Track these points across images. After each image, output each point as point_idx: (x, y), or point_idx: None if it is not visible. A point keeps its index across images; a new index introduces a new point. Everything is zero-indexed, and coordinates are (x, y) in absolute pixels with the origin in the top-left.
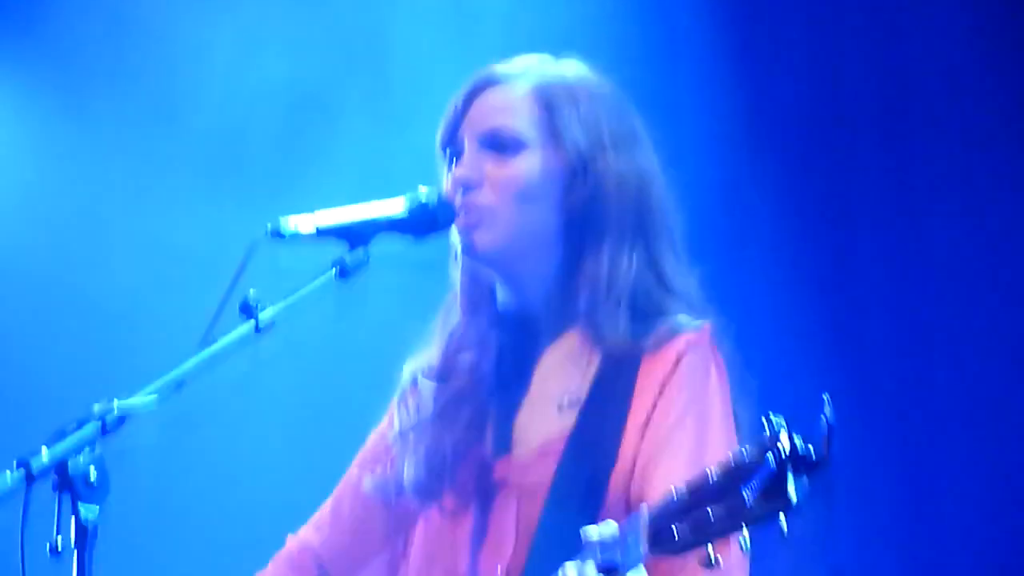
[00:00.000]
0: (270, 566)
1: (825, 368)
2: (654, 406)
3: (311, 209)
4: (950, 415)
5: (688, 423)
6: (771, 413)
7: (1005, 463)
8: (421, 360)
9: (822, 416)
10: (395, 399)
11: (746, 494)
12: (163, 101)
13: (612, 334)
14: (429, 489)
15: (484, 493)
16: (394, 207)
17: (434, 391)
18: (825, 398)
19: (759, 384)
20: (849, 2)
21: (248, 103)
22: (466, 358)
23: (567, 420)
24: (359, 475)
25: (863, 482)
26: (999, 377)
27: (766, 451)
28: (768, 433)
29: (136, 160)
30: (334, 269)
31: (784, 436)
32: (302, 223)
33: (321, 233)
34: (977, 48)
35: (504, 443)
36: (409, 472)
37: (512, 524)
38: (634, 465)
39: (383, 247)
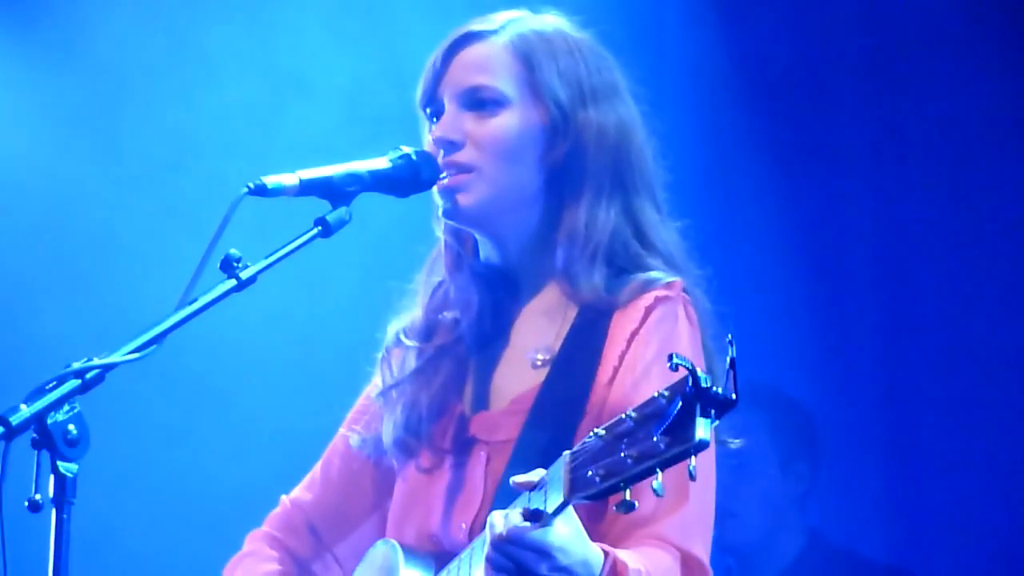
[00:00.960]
0: (264, 525)
1: (805, 324)
2: (621, 359)
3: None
4: (929, 383)
5: (654, 374)
6: (675, 355)
7: (979, 430)
8: (404, 319)
9: (728, 353)
10: (380, 357)
11: (657, 438)
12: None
13: (587, 288)
14: (406, 446)
15: (459, 449)
16: (378, 163)
17: (416, 349)
18: (729, 338)
19: (736, 336)
20: None
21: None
22: (448, 316)
23: (539, 375)
24: (346, 434)
25: (842, 447)
26: (975, 343)
27: (674, 391)
28: (679, 376)
29: (120, 136)
30: (317, 227)
31: (689, 376)
32: (285, 178)
33: (304, 186)
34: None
35: (482, 399)
36: (389, 430)
37: (481, 480)
38: (598, 421)
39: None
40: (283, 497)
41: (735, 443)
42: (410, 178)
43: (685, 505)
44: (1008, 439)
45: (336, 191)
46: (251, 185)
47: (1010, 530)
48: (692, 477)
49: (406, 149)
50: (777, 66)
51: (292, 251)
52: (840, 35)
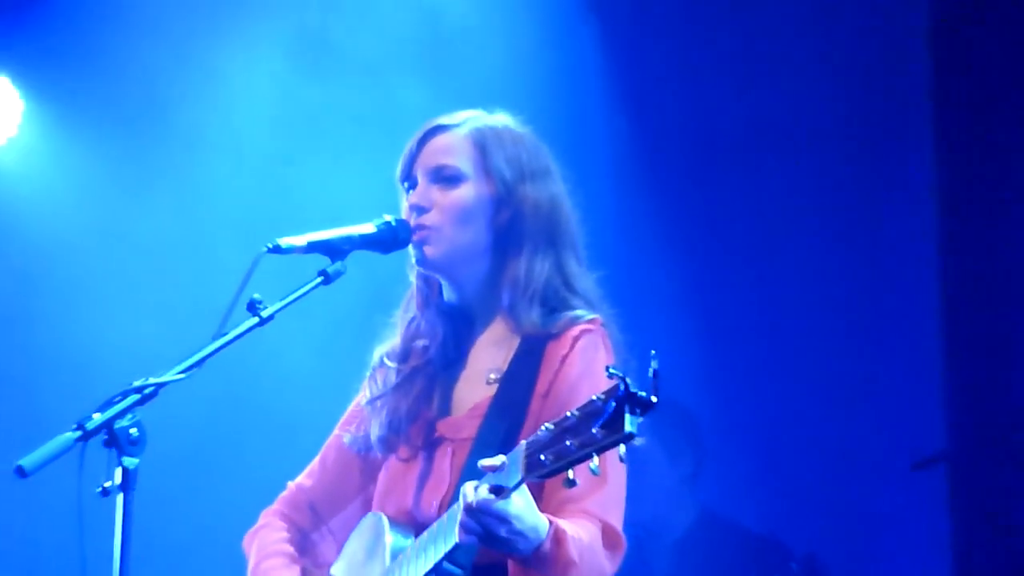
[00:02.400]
0: (275, 504)
1: (692, 347)
2: (555, 377)
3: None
4: (799, 381)
5: (581, 389)
6: (611, 367)
7: (838, 419)
8: (386, 346)
9: (651, 366)
10: (368, 375)
11: (595, 430)
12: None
13: (527, 323)
14: (389, 443)
15: (429, 445)
16: (366, 228)
17: (395, 369)
18: (652, 353)
19: (637, 362)
20: (713, 55)
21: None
22: (420, 344)
23: (491, 389)
24: (340, 434)
25: (725, 437)
26: (839, 344)
27: (608, 395)
28: (613, 383)
29: (159, 182)
30: (320, 277)
31: (621, 383)
32: (295, 240)
33: (310, 246)
34: (825, 84)
35: (446, 407)
36: (374, 430)
37: (448, 469)
38: (537, 423)
39: (357, 259)
40: (289, 483)
41: (639, 441)
42: (390, 239)
43: (606, 486)
44: (861, 425)
45: (334, 249)
46: (269, 245)
47: (866, 501)
48: (622, 460)
49: (387, 217)
50: (670, 150)
51: (301, 296)
52: (719, 123)
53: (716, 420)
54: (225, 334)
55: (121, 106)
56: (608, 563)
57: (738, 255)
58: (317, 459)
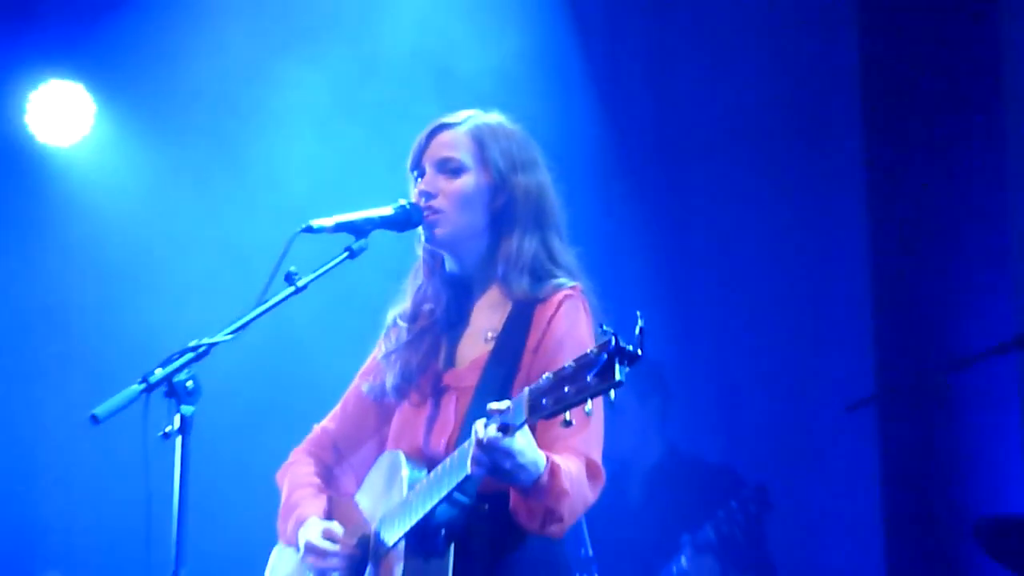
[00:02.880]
0: (303, 444)
1: (658, 307)
2: (543, 335)
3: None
4: (750, 335)
5: (565, 345)
6: (604, 325)
7: (788, 366)
8: (398, 308)
9: (637, 324)
10: (383, 333)
11: (590, 378)
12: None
13: (518, 290)
14: (402, 391)
15: (436, 393)
16: (385, 211)
17: (406, 328)
18: (638, 314)
19: (615, 321)
20: (674, 58)
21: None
22: (427, 307)
23: (489, 346)
24: (359, 383)
25: (687, 382)
26: (784, 303)
27: (601, 348)
28: (604, 337)
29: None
30: (346, 252)
31: (612, 338)
32: (325, 221)
33: (338, 227)
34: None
35: (450, 361)
36: (389, 380)
37: (452, 413)
38: (529, 374)
39: (376, 238)
40: (315, 425)
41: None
42: (404, 220)
43: (589, 427)
44: (803, 372)
45: (358, 229)
46: (303, 225)
47: (807, 436)
48: (612, 405)
49: (402, 201)
50: (637, 142)
51: (330, 268)
52: (685, 119)
53: (680, 369)
54: (266, 301)
55: (182, 110)
56: (590, 492)
57: (696, 230)
58: (339, 405)
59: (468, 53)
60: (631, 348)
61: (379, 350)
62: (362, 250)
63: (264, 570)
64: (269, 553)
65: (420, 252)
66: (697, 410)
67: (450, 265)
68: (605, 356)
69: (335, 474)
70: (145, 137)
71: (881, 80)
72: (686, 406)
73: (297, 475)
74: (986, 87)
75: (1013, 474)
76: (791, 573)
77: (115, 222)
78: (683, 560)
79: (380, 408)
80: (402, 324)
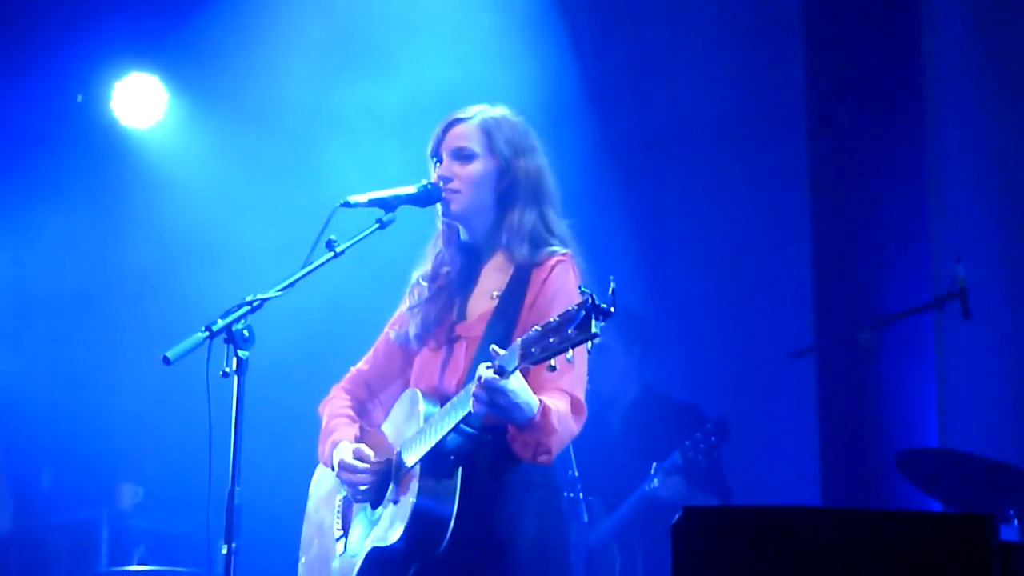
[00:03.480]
0: (341, 382)
1: (640, 271)
2: (538, 293)
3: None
4: (712, 294)
5: (556, 301)
6: (582, 287)
7: (742, 320)
8: (421, 270)
9: (610, 286)
10: (408, 291)
11: (571, 331)
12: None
13: (519, 256)
14: (422, 338)
15: (450, 341)
16: (410, 189)
17: (427, 287)
18: (611, 278)
19: (596, 283)
20: (658, 61)
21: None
22: (444, 270)
23: (494, 302)
24: (388, 332)
25: (663, 332)
26: (740, 265)
27: (580, 306)
28: (582, 296)
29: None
30: (376, 224)
31: (589, 297)
32: (360, 198)
33: (371, 202)
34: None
35: (462, 314)
36: (412, 329)
37: (463, 357)
38: (525, 326)
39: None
40: (352, 368)
41: (598, 340)
42: (426, 197)
43: (574, 370)
44: (754, 326)
45: (388, 204)
46: (342, 201)
47: (758, 379)
48: (589, 352)
49: (424, 181)
50: (626, 129)
51: (364, 237)
52: (660, 117)
53: (657, 321)
54: (311, 263)
55: (243, 103)
56: (575, 425)
57: (668, 209)
58: (371, 350)
59: (460, 45)
60: (604, 306)
61: (404, 304)
62: (391, 222)
63: (304, 487)
64: (310, 472)
65: (439, 224)
66: (669, 357)
67: (464, 235)
68: (583, 312)
69: (367, 408)
70: (209, 124)
71: (822, 80)
72: (660, 353)
73: (335, 407)
74: (910, 89)
75: (928, 414)
76: (743, 492)
77: (182, 195)
78: (655, 481)
79: (405, 353)
80: (423, 283)
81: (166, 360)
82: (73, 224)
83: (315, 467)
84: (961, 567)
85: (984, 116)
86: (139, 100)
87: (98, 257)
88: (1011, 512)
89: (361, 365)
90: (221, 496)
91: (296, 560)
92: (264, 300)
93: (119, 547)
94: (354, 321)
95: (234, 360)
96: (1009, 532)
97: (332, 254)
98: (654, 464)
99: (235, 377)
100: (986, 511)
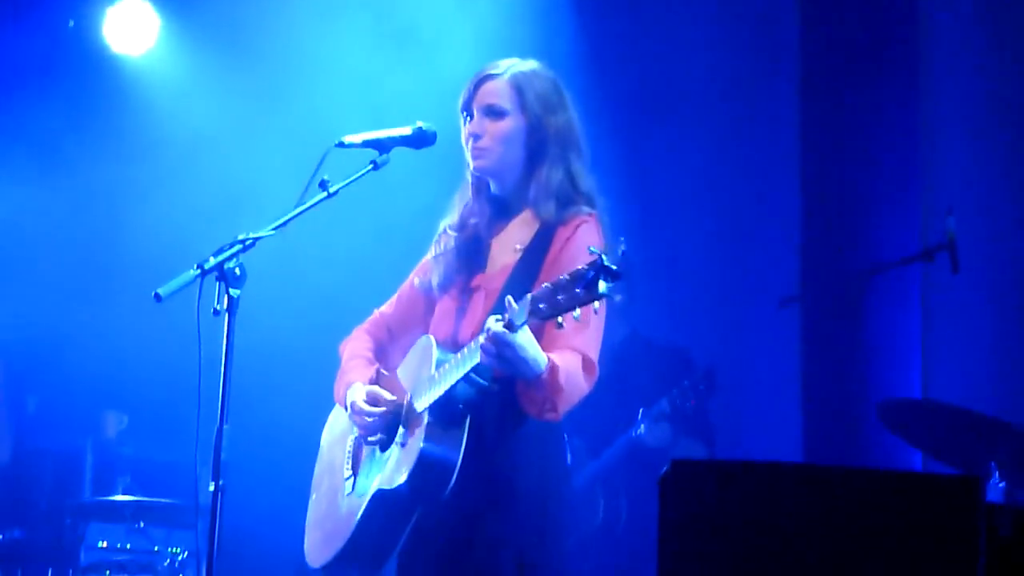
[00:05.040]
0: (364, 324)
1: (625, 220)
2: (560, 251)
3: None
4: (700, 242)
5: (577, 262)
6: (592, 247)
7: (730, 269)
8: (448, 219)
9: (620, 248)
10: (435, 239)
11: (578, 289)
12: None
13: (545, 213)
14: (444, 287)
15: (471, 291)
16: (404, 131)
17: (454, 237)
18: (621, 239)
19: (613, 241)
20: (657, 24)
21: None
22: (472, 220)
23: (517, 256)
24: (413, 278)
25: (649, 279)
26: (729, 217)
27: (589, 266)
28: (591, 257)
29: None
30: (370, 165)
31: (598, 258)
32: (355, 138)
33: (365, 143)
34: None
35: (484, 265)
36: (435, 278)
37: (480, 308)
38: (544, 281)
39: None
40: (375, 310)
41: (618, 297)
42: (420, 139)
43: (588, 329)
44: (743, 274)
45: (381, 145)
46: (336, 141)
47: (746, 327)
48: (595, 312)
49: (419, 123)
50: (626, 88)
51: (357, 178)
52: (652, 69)
53: (643, 269)
54: (304, 203)
55: (239, 30)
56: (585, 384)
57: (657, 152)
58: (395, 295)
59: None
60: (614, 267)
61: (431, 252)
62: (385, 163)
63: (293, 427)
64: (296, 405)
65: (468, 176)
66: (655, 302)
67: (493, 188)
68: (592, 272)
69: (388, 351)
70: (201, 51)
71: (815, 32)
72: (646, 298)
73: (354, 348)
74: (904, 40)
75: (912, 364)
76: (726, 438)
77: (174, 123)
78: (641, 427)
79: (427, 300)
80: (451, 233)
81: (157, 297)
82: (62, 152)
83: (302, 407)
84: (948, 527)
85: (979, 68)
86: (131, 26)
87: (88, 185)
88: (992, 464)
89: (384, 308)
90: (209, 433)
91: (285, 498)
92: (256, 239)
93: (104, 476)
94: (347, 264)
95: (225, 298)
96: (994, 493)
97: (325, 194)
98: (641, 410)
99: (226, 315)
100: (967, 462)
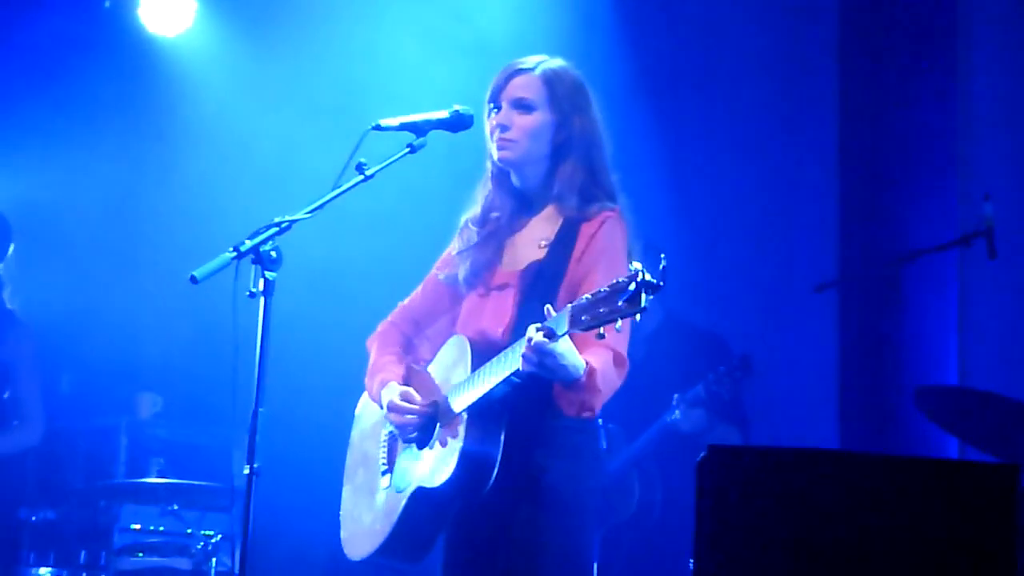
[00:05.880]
0: (389, 317)
1: (662, 202)
2: (586, 248)
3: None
4: (738, 228)
5: (603, 258)
6: (633, 262)
7: (767, 253)
8: (470, 213)
9: (660, 264)
10: (457, 233)
11: (620, 303)
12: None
13: (568, 209)
14: (471, 282)
15: (497, 287)
16: (441, 114)
17: (476, 231)
18: (662, 256)
19: (643, 240)
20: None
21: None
22: (494, 215)
23: (542, 252)
24: (436, 272)
25: (686, 268)
26: (766, 201)
27: (631, 279)
28: (632, 269)
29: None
30: (407, 148)
31: (640, 273)
32: (391, 121)
33: (402, 126)
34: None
35: (511, 262)
36: (461, 273)
37: (510, 304)
38: (571, 278)
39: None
40: (400, 303)
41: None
42: (457, 123)
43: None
44: (780, 259)
45: (418, 128)
46: (373, 124)
47: (783, 312)
48: (637, 321)
49: (457, 107)
50: (660, 67)
51: (394, 161)
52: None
53: (679, 254)
54: (339, 186)
55: (276, 12)
56: (617, 379)
57: (695, 134)
58: (419, 288)
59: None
60: (656, 281)
61: (453, 247)
62: (422, 147)
63: (325, 412)
64: (330, 390)
65: (489, 166)
66: (691, 286)
67: (516, 181)
68: (635, 286)
69: (413, 343)
70: (238, 32)
71: (855, 13)
72: (682, 282)
73: (383, 343)
74: (943, 23)
75: (949, 351)
76: (761, 424)
77: (210, 105)
78: (676, 412)
79: (451, 292)
80: (472, 227)
81: (193, 279)
82: (98, 133)
83: (335, 395)
84: (986, 515)
85: (1019, 52)
86: (167, 6)
87: (124, 165)
88: None
89: (409, 301)
90: (243, 416)
91: (317, 483)
92: (293, 222)
93: (137, 457)
94: (385, 247)
95: (261, 281)
96: None
97: (362, 177)
98: (676, 395)
99: (261, 298)
100: (1004, 450)
